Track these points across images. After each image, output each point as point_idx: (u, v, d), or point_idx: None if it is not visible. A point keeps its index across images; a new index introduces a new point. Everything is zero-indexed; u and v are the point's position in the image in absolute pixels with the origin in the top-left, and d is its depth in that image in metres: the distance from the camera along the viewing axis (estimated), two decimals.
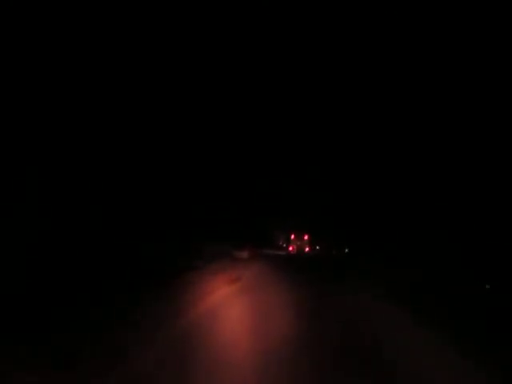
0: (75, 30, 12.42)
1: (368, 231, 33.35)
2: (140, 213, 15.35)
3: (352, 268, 24.13)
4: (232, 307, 8.58)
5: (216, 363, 4.74)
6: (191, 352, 5.10)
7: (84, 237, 11.57)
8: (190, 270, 13.54)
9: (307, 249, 35.91)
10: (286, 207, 41.35)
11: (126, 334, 5.72)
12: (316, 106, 31.77)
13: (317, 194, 40.04)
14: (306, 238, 36.16)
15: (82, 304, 7.18)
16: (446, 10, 18.80)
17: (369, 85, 26.85)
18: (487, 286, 14.38)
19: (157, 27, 16.02)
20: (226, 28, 20.24)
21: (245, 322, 7.24)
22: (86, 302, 7.39)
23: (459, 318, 9.10)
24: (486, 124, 19.32)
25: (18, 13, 10.85)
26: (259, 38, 22.70)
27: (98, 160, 13.34)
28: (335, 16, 22.48)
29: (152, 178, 16.45)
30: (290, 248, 35.65)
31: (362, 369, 4.99)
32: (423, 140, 23.50)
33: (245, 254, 21.48)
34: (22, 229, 9.62)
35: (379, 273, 20.17)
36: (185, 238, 17.87)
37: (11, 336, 5.19)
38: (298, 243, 35.68)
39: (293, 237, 36.22)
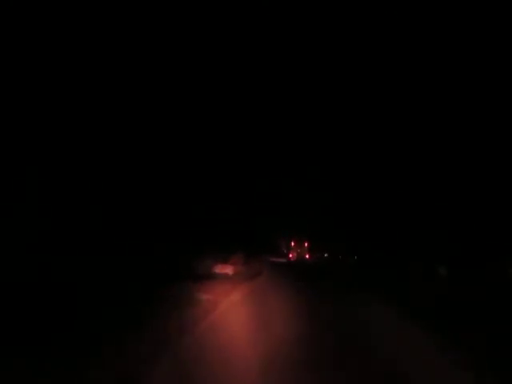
0: (75, 29, 12.42)
1: (368, 231, 33.43)
2: (139, 212, 15.33)
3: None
4: None
5: None
6: None
7: (84, 237, 11.55)
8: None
9: (307, 256, 36.84)
10: (286, 207, 41.52)
11: None
12: (315, 106, 31.83)
13: (317, 194, 40.23)
14: (305, 245, 37.10)
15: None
16: (446, 10, 18.81)
17: (368, 85, 26.88)
18: None
19: (156, 27, 16.02)
20: (226, 28, 20.26)
21: None
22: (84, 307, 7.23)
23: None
24: (486, 124, 19.34)
25: (18, 12, 10.84)
26: (259, 38, 22.72)
27: (97, 160, 13.32)
28: (335, 16, 22.50)
29: (151, 178, 16.43)
30: (290, 255, 36.69)
31: None
32: (423, 140, 23.52)
33: (229, 270, 16.01)
34: (22, 229, 9.61)
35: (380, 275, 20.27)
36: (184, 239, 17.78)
37: (10, 337, 5.18)
38: (298, 250, 36.90)
39: (293, 244, 37.12)
